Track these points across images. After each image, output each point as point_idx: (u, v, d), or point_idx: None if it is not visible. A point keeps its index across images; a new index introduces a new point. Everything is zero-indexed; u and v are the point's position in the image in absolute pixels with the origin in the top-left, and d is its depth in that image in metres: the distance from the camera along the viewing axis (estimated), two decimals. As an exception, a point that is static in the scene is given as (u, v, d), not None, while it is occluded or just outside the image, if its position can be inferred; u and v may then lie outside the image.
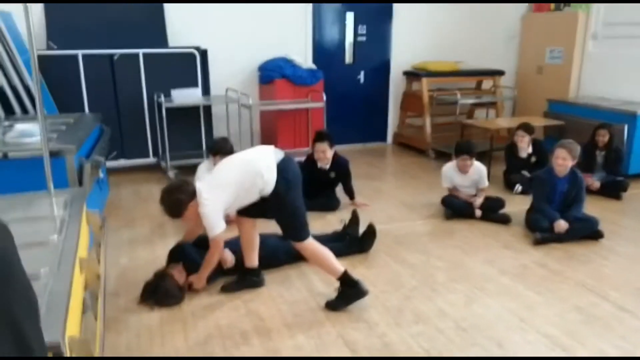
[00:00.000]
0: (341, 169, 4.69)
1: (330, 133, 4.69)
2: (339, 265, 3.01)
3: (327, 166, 4.63)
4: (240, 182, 2.83)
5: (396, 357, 2.56)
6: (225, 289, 3.19)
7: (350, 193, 4.77)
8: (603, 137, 5.14)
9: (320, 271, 3.31)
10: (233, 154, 3.18)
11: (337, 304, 3.00)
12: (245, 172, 2.84)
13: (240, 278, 3.24)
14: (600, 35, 6.39)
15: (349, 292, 2.99)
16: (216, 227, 2.85)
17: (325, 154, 4.54)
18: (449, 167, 4.58)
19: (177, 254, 3.26)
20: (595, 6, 6.37)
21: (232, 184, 2.84)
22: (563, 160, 4.00)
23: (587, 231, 3.99)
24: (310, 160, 4.67)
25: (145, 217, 4.50)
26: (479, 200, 4.46)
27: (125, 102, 5.63)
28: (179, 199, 2.88)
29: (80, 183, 3.36)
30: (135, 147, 5.77)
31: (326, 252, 3.00)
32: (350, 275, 2.99)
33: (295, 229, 2.94)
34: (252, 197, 2.87)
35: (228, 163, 3.00)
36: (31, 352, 0.81)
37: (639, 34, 5.89)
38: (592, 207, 4.37)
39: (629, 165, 5.46)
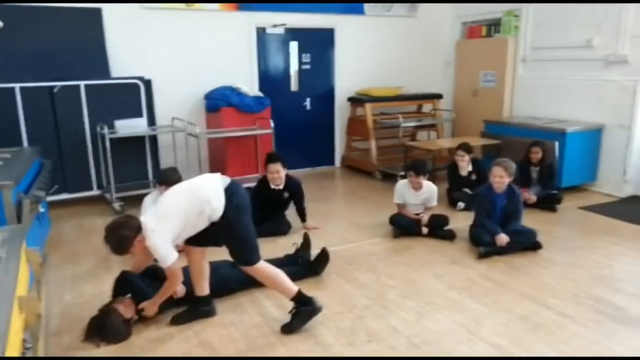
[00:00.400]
0: (294, 189, 4.74)
1: (281, 155, 4.73)
2: (293, 285, 3.02)
3: (281, 186, 4.67)
4: (187, 211, 2.79)
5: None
6: (176, 321, 3.11)
7: (302, 215, 4.81)
8: (536, 154, 5.44)
9: (272, 296, 3.31)
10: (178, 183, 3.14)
11: (294, 325, 3.00)
12: (192, 200, 2.81)
13: (191, 308, 3.18)
14: (528, 58, 6.81)
15: (304, 310, 3.01)
16: (168, 257, 2.78)
17: (279, 174, 4.58)
18: (402, 184, 4.71)
19: (123, 285, 3.17)
20: (522, 31, 6.80)
21: (179, 214, 2.79)
22: (500, 178, 4.21)
23: (526, 243, 4.19)
24: (263, 182, 4.70)
25: (90, 251, 4.35)
26: (426, 217, 4.59)
27: (67, 135, 5.47)
28: (123, 236, 2.77)
29: (19, 219, 3.23)
30: (78, 179, 5.59)
31: (279, 273, 3.01)
32: (304, 294, 3.01)
33: (246, 253, 2.93)
34: (201, 225, 2.84)
35: (173, 192, 2.94)
36: None
37: (562, 57, 6.32)
38: (529, 219, 4.60)
39: (561, 179, 5.78)
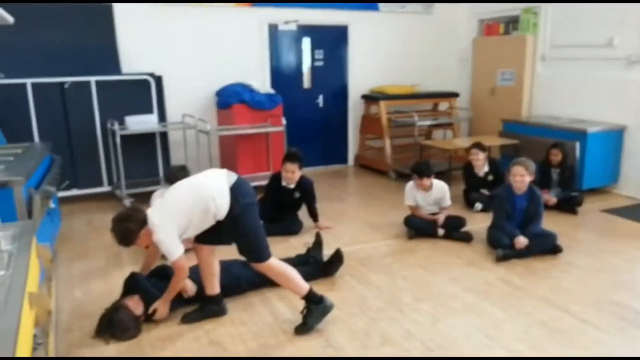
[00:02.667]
0: (306, 190, 4.67)
1: (301, 155, 4.65)
2: (305, 283, 2.96)
3: (292, 186, 4.60)
4: (191, 208, 2.75)
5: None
6: (186, 320, 3.06)
7: (314, 215, 4.73)
8: (556, 156, 5.31)
9: (284, 296, 3.24)
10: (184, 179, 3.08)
11: (308, 325, 2.94)
12: (196, 196, 2.77)
13: (201, 307, 3.12)
14: (548, 57, 6.66)
15: (317, 308, 2.95)
16: (174, 251, 2.75)
17: (293, 174, 4.53)
18: (411, 186, 4.62)
19: (131, 286, 3.13)
20: (542, 29, 6.66)
21: (183, 210, 2.76)
22: (521, 177, 4.09)
23: (546, 246, 4.07)
24: (276, 178, 4.64)
25: (100, 247, 4.31)
26: (441, 218, 4.49)
27: (78, 130, 5.45)
28: (128, 228, 2.77)
29: (30, 215, 3.19)
30: (89, 175, 5.57)
31: (291, 270, 2.96)
32: (315, 292, 2.96)
33: (256, 251, 2.87)
34: (207, 222, 2.80)
35: (178, 188, 2.91)
36: None
37: (583, 55, 6.17)
38: (549, 222, 4.47)
39: (582, 181, 5.64)
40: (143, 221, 2.77)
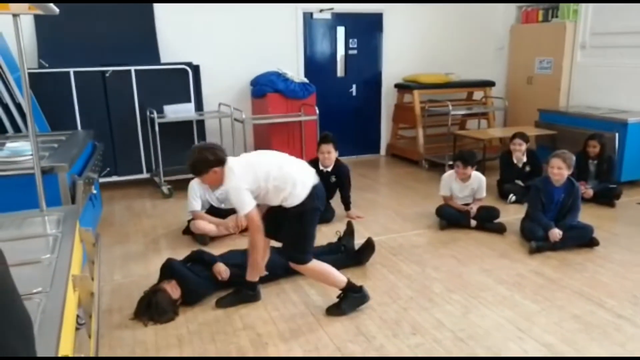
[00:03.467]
0: (342, 174, 4.74)
1: (334, 137, 4.71)
2: (342, 276, 3.02)
3: (330, 168, 4.67)
4: (270, 177, 2.76)
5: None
6: (221, 304, 3.16)
7: (346, 202, 4.78)
8: (594, 147, 5.18)
9: (316, 284, 3.30)
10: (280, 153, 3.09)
11: (341, 309, 3.01)
12: (280, 172, 2.79)
13: (236, 292, 3.21)
14: (588, 45, 6.46)
15: (354, 297, 3.02)
16: (245, 204, 2.72)
17: (330, 155, 4.62)
18: (449, 175, 4.59)
19: (167, 271, 3.24)
20: (582, 17, 6.46)
21: (262, 175, 2.76)
22: (559, 170, 4.02)
23: (582, 239, 4.00)
24: (313, 163, 4.69)
25: (139, 232, 4.46)
26: (474, 208, 4.46)
27: (118, 119, 5.62)
28: (205, 157, 2.76)
29: (73, 200, 3.34)
30: (128, 163, 5.74)
31: (327, 268, 3.00)
32: (353, 283, 3.03)
33: (300, 251, 2.92)
34: (273, 200, 2.84)
35: (268, 155, 2.96)
36: None
37: (625, 43, 5.97)
38: (586, 215, 4.38)
39: (621, 172, 5.49)
40: (221, 161, 2.78)
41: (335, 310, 3.02)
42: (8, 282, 0.81)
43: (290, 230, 2.90)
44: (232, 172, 2.75)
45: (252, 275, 3.11)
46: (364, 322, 2.97)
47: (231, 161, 2.82)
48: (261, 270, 3.05)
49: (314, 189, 2.85)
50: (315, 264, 2.97)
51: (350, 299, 3.02)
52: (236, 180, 2.74)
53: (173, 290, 3.09)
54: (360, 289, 3.04)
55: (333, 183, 4.72)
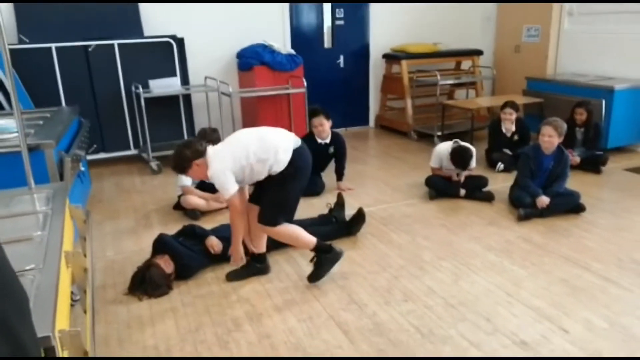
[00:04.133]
0: (339, 144, 4.77)
1: (324, 107, 4.71)
2: (310, 236, 3.05)
3: (328, 140, 4.67)
4: (252, 152, 2.80)
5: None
6: (231, 277, 3.17)
7: (340, 173, 4.82)
8: (581, 115, 5.21)
9: (308, 255, 3.33)
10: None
11: (319, 274, 3.07)
12: (261, 145, 2.82)
13: (247, 265, 3.19)
14: (576, 12, 6.44)
15: (326, 257, 3.06)
16: (229, 187, 2.78)
17: (323, 127, 4.62)
18: (442, 149, 4.54)
19: (160, 246, 3.25)
20: (570, -17, 6.42)
21: (243, 153, 2.80)
22: (549, 138, 4.04)
23: (569, 205, 4.06)
24: (309, 138, 4.67)
25: (129, 208, 4.45)
26: (462, 176, 4.49)
27: (103, 94, 5.54)
28: (183, 154, 2.85)
29: (62, 178, 3.31)
30: (116, 139, 5.69)
31: (295, 229, 3.02)
32: (322, 242, 3.07)
33: (275, 214, 2.94)
34: (261, 173, 2.86)
35: (245, 133, 3.00)
36: (25, 352, 0.80)
37: (613, 9, 5.95)
38: (573, 181, 4.44)
39: (607, 139, 5.55)
40: (200, 152, 2.84)
41: (314, 276, 3.07)
42: (2, 257, 0.81)
43: (271, 193, 2.93)
44: (214, 158, 2.81)
45: (237, 240, 3.05)
46: (355, 290, 3.02)
47: (211, 149, 2.88)
48: (239, 257, 3.06)
49: (296, 151, 2.86)
50: (284, 226, 2.97)
51: (324, 260, 3.07)
52: (218, 164, 2.79)
53: (166, 264, 3.11)
54: (330, 248, 3.07)
55: (331, 154, 4.74)
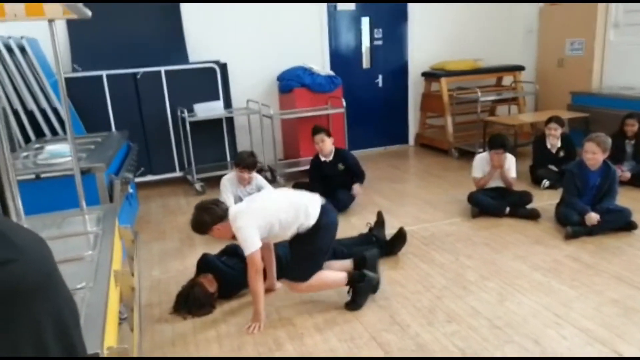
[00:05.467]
0: (347, 159, 4.82)
1: (322, 126, 4.87)
2: (340, 274, 3.03)
3: (331, 157, 4.75)
4: (282, 212, 2.83)
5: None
6: (351, 307, 3.05)
7: (359, 181, 4.82)
8: (632, 126, 5.03)
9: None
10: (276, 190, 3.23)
11: (357, 303, 3.03)
12: (291, 206, 2.85)
13: (353, 292, 3.08)
14: (621, 23, 6.26)
15: (361, 286, 3.04)
16: (251, 243, 2.76)
17: (324, 143, 4.71)
18: (482, 158, 4.54)
19: (203, 265, 3.32)
20: (614, -6, 6.26)
21: (271, 209, 2.85)
22: (593, 154, 3.92)
23: (619, 223, 3.90)
24: (315, 158, 4.88)
25: (175, 229, 4.57)
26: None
27: (150, 119, 5.75)
28: (202, 220, 2.87)
29: (111, 199, 3.44)
30: (162, 162, 5.88)
31: (321, 274, 2.97)
32: (354, 273, 3.06)
33: (302, 270, 2.94)
34: (289, 231, 2.86)
35: (276, 195, 3.08)
36: (76, 353, 0.84)
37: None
38: (623, 198, 4.27)
39: (659, 153, 5.31)
40: (220, 217, 2.86)
41: (351, 305, 3.04)
42: (57, 267, 0.86)
43: (298, 250, 2.94)
44: (241, 214, 2.82)
45: (257, 303, 2.92)
46: (397, 311, 2.98)
47: (232, 210, 2.89)
48: (259, 319, 2.91)
49: (323, 207, 2.91)
50: (313, 277, 2.93)
51: (359, 289, 3.04)
52: (245, 220, 2.80)
53: (210, 284, 3.16)
54: (363, 276, 3.03)
55: (342, 171, 4.77)
